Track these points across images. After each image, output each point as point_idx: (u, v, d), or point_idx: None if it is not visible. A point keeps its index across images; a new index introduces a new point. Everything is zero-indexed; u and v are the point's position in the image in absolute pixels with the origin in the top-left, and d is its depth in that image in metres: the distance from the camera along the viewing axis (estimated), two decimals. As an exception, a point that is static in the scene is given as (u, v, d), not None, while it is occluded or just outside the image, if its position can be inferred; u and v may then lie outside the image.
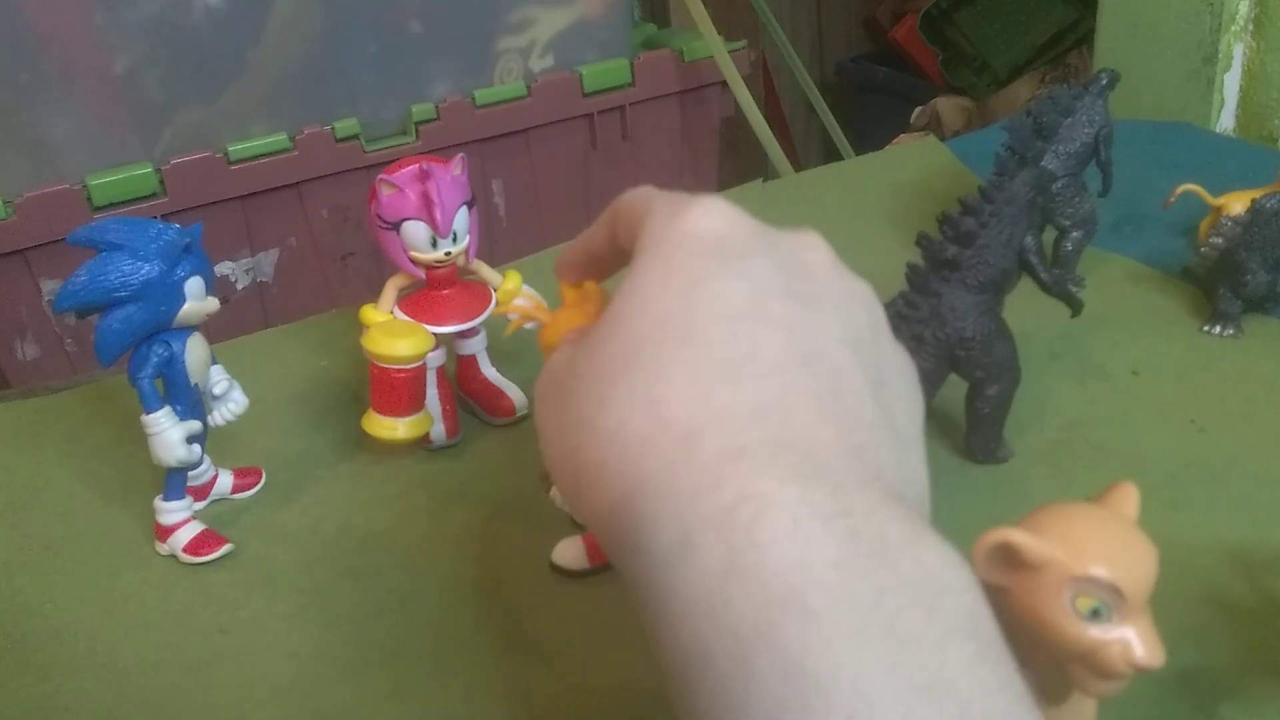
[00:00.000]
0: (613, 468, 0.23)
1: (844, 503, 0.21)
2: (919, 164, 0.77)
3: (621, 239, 0.29)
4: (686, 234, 0.26)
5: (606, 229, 0.31)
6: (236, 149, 1.04)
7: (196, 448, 0.44)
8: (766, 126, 1.28)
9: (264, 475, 0.50)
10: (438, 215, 0.46)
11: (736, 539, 0.20)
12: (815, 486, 0.21)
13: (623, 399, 0.23)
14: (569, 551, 0.43)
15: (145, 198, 1.01)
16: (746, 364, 0.23)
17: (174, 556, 0.45)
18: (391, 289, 0.50)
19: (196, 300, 0.42)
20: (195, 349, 0.44)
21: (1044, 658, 0.25)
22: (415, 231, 0.47)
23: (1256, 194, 0.55)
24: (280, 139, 1.06)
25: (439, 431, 0.50)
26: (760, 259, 0.25)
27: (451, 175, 0.47)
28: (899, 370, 0.28)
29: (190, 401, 0.44)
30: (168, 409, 0.43)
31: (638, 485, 0.22)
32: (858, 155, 0.94)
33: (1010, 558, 0.24)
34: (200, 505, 0.47)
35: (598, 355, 0.25)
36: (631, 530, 0.22)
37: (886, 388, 0.26)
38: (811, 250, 0.27)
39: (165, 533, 0.45)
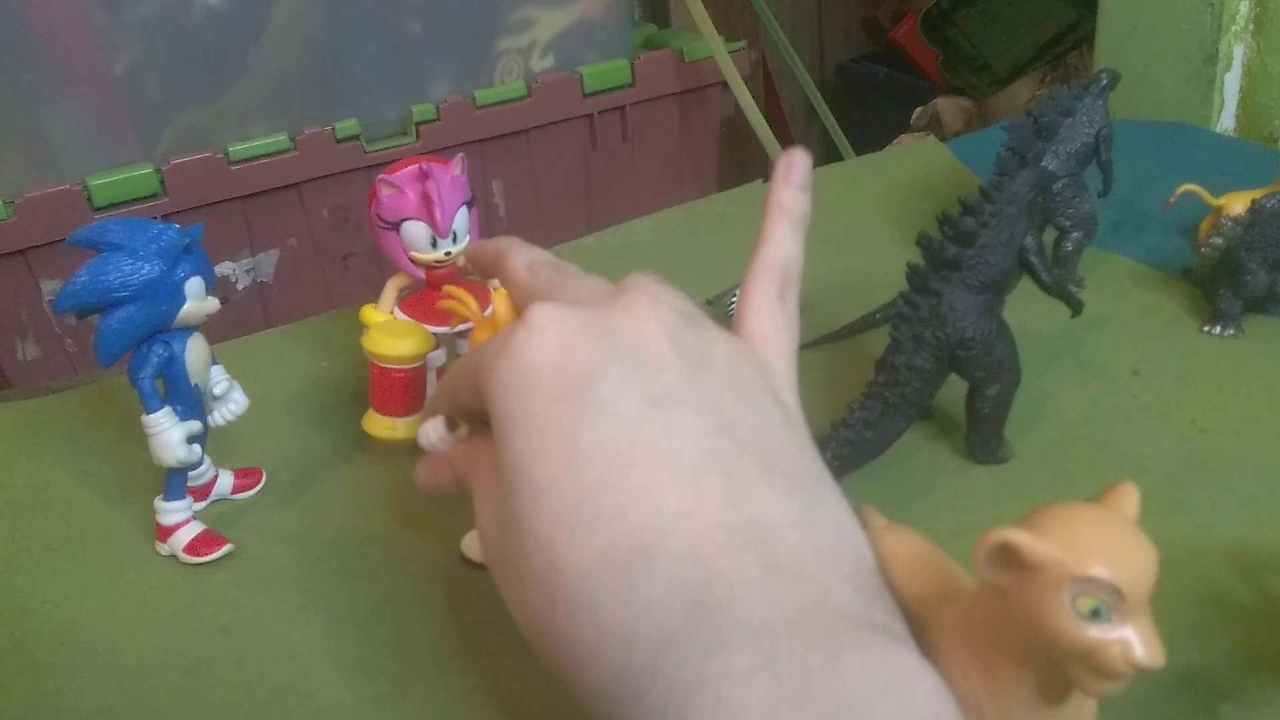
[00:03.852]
0: (571, 672, 0.25)
1: (765, 648, 0.22)
2: (919, 164, 0.77)
3: (465, 400, 0.30)
4: (526, 374, 0.26)
5: (447, 400, 0.31)
6: (237, 149, 1.04)
7: (197, 448, 0.44)
8: (766, 126, 1.28)
9: (264, 475, 0.50)
10: (438, 215, 0.46)
11: None
12: (735, 647, 0.23)
13: (556, 613, 0.25)
14: (477, 543, 0.43)
15: (145, 198, 1.01)
16: (649, 525, 0.24)
17: (174, 557, 0.45)
18: (391, 289, 0.50)
19: (197, 300, 0.42)
20: (195, 349, 0.44)
21: (1044, 658, 0.25)
22: (415, 231, 0.47)
23: (1256, 194, 0.55)
24: (281, 139, 1.06)
25: (439, 431, 0.50)
26: (609, 379, 0.26)
27: (451, 175, 0.47)
28: (782, 408, 0.28)
29: (190, 402, 0.44)
30: (168, 409, 0.43)
31: (599, 690, 0.24)
32: (858, 155, 0.94)
33: (1010, 558, 0.24)
34: (200, 505, 0.47)
35: (511, 553, 0.26)
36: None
37: (770, 447, 0.27)
38: (651, 325, 0.27)
39: (165, 533, 0.45)
